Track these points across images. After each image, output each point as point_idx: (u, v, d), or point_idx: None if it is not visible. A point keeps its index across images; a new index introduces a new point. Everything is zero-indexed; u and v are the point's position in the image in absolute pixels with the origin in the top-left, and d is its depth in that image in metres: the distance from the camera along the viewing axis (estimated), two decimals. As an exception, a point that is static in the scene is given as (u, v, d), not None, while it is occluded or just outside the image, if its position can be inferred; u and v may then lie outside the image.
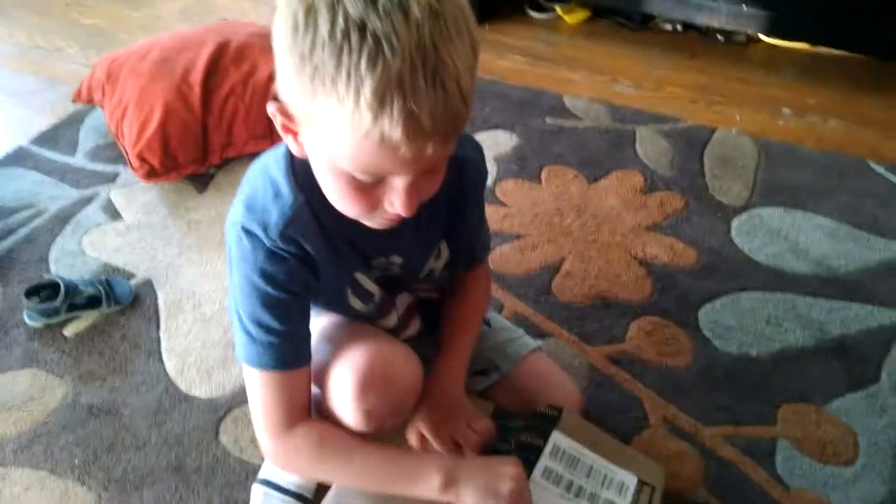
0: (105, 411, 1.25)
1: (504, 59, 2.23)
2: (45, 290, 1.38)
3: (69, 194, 1.70)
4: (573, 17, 2.42)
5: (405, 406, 0.92)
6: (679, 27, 2.34)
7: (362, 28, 0.59)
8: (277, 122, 0.72)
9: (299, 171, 0.80)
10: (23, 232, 1.59)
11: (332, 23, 0.59)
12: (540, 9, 2.47)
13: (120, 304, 1.41)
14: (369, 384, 0.86)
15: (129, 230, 1.61)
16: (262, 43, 1.75)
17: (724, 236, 1.57)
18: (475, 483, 0.84)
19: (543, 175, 1.73)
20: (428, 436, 0.92)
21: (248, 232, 0.80)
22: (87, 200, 1.68)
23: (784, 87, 2.08)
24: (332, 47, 0.59)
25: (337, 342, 0.93)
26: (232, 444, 1.19)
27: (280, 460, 0.92)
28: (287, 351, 0.85)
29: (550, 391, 1.09)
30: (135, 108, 1.69)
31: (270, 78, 0.69)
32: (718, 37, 2.29)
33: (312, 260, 0.83)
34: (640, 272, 1.48)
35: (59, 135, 1.90)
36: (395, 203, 0.71)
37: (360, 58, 0.59)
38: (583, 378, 1.28)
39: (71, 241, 1.58)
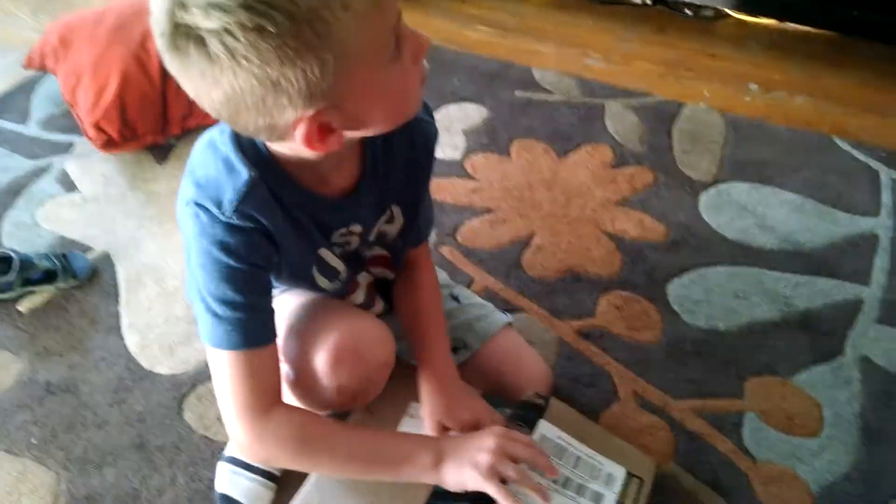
0: (63, 389, 1.21)
1: (471, 30, 2.20)
2: (-3, 265, 1.33)
3: (21, 165, 1.64)
4: (542, -11, 2.39)
5: (377, 380, 0.93)
6: (647, 1, 2.32)
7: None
8: (312, 141, 0.69)
9: (247, 147, 0.76)
10: (-28, 204, 1.53)
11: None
12: (508, -20, 2.44)
13: (77, 279, 1.37)
14: (341, 359, 0.86)
15: (85, 202, 1.55)
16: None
17: (693, 211, 1.57)
18: (456, 459, 0.83)
19: (513, 148, 1.72)
20: (447, 423, 0.92)
21: (202, 207, 0.76)
22: (41, 171, 1.62)
23: (751, 62, 2.08)
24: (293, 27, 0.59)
25: (308, 319, 0.91)
26: (196, 421, 1.16)
27: (257, 448, 0.84)
28: (254, 327, 0.81)
29: (520, 369, 1.09)
30: (90, 76, 1.62)
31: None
32: (687, 11, 2.28)
33: (271, 234, 0.80)
34: (609, 246, 1.48)
35: (10, 102, 1.82)
36: (416, 42, 0.71)
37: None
38: (553, 352, 1.27)
39: (24, 213, 1.52)
